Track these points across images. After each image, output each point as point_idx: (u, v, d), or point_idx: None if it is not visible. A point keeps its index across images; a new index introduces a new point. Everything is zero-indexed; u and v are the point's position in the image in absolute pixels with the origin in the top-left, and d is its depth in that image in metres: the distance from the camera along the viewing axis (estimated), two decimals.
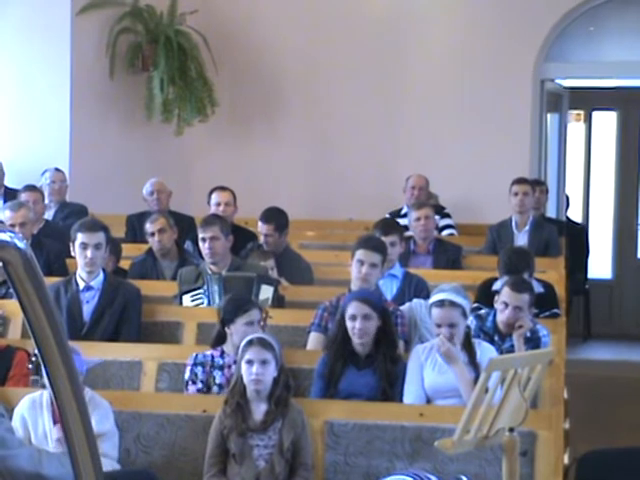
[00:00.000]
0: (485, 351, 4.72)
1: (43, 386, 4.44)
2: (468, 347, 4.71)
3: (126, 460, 4.50)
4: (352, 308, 4.76)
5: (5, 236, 1.43)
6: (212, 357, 4.88)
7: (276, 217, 6.46)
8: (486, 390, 3.37)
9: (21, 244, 1.45)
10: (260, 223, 6.48)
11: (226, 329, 4.90)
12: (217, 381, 4.84)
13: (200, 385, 4.84)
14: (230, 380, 4.73)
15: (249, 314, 4.84)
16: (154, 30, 8.68)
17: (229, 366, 4.83)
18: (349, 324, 4.74)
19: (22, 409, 4.41)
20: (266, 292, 5.66)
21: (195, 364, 4.88)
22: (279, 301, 5.80)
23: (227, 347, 4.90)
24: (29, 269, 1.45)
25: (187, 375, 4.89)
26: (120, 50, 8.59)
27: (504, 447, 3.41)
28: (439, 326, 4.71)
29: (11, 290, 5.47)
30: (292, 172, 9.04)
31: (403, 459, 4.39)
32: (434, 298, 4.76)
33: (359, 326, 4.71)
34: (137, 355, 5.18)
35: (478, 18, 8.81)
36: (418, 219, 6.85)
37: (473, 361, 4.66)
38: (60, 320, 1.51)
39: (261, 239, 6.52)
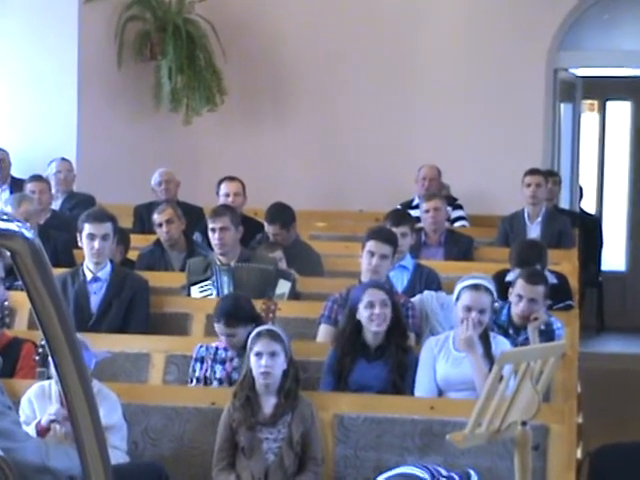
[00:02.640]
0: (500, 345, 4.68)
1: (49, 378, 4.42)
2: (485, 339, 4.67)
3: (134, 453, 4.48)
4: (369, 295, 4.71)
5: (13, 226, 1.42)
6: (216, 349, 4.84)
7: (280, 215, 6.39)
8: (500, 379, 3.34)
9: (29, 234, 1.43)
10: (267, 225, 6.40)
11: None
12: (217, 375, 4.79)
13: (195, 382, 4.81)
14: (230, 374, 4.71)
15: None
16: (162, 18, 8.61)
17: (231, 359, 4.79)
18: (366, 312, 4.68)
19: (30, 394, 4.41)
20: (283, 287, 5.62)
21: (195, 359, 4.85)
22: (295, 297, 5.75)
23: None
24: (37, 259, 1.44)
25: (190, 371, 4.87)
26: (128, 38, 8.52)
27: (516, 441, 3.41)
28: (469, 310, 4.61)
29: (17, 282, 5.44)
30: (302, 162, 8.97)
31: (414, 453, 4.37)
32: (467, 282, 4.69)
33: (378, 312, 4.66)
34: (145, 347, 5.14)
35: (490, 6, 8.73)
36: (427, 211, 6.81)
37: (489, 354, 4.61)
38: (68, 311, 1.50)
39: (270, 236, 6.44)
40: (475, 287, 4.64)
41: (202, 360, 4.81)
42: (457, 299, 4.71)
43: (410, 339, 4.98)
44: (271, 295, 5.42)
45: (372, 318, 4.69)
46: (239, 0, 9.01)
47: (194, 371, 4.82)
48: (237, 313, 4.73)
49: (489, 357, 4.59)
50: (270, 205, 6.54)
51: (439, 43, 8.83)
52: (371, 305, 4.70)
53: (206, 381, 4.80)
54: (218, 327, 4.76)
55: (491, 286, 4.71)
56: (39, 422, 4.22)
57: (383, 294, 4.73)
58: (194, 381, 4.80)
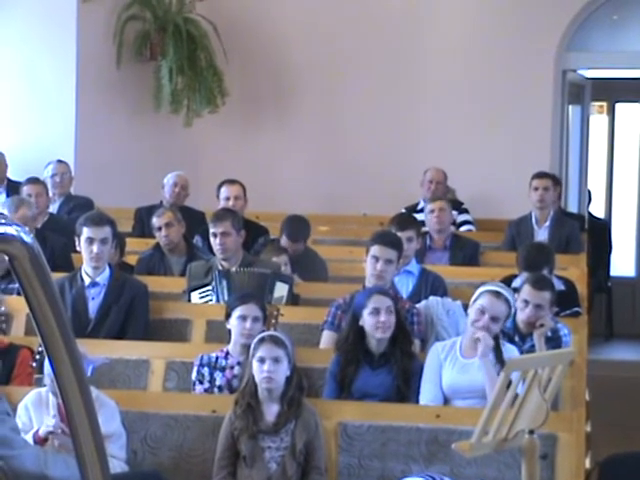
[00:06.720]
0: (509, 352, 4.62)
1: (46, 385, 4.36)
2: (496, 347, 4.60)
3: (133, 461, 4.43)
4: (374, 302, 4.63)
5: (11, 229, 1.42)
6: (216, 358, 4.80)
7: (302, 232, 6.35)
8: (507, 387, 3.28)
9: (28, 238, 1.43)
10: (287, 240, 6.29)
11: (227, 326, 4.82)
12: (217, 383, 4.75)
13: (207, 385, 4.77)
14: (231, 382, 4.66)
15: (243, 308, 4.72)
16: (163, 18, 8.55)
17: (231, 367, 4.76)
18: (371, 319, 4.61)
19: (27, 401, 4.36)
20: (281, 290, 5.56)
21: (201, 365, 4.80)
22: (294, 299, 5.68)
23: (231, 347, 4.81)
24: (36, 264, 1.43)
25: (194, 375, 4.81)
26: (127, 38, 8.44)
27: (524, 450, 3.37)
28: (482, 312, 4.55)
29: (11, 285, 5.38)
30: (305, 165, 8.91)
31: (419, 462, 4.32)
32: (489, 287, 4.66)
33: (384, 319, 4.59)
34: (144, 353, 5.09)
35: (498, 6, 8.67)
36: (432, 211, 6.76)
37: (500, 361, 4.53)
38: (67, 317, 1.50)
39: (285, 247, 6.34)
40: (496, 294, 4.61)
41: (208, 365, 4.76)
42: (474, 301, 4.65)
43: (415, 345, 4.93)
44: (269, 299, 5.36)
45: (377, 325, 4.62)
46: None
47: (203, 375, 4.74)
48: None
49: (500, 364, 4.51)
50: (287, 219, 6.44)
51: (445, 44, 8.75)
52: (377, 312, 4.62)
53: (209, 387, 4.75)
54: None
55: (511, 299, 4.66)
56: (36, 432, 4.18)
57: (388, 300, 4.66)
58: (205, 383, 4.72)
